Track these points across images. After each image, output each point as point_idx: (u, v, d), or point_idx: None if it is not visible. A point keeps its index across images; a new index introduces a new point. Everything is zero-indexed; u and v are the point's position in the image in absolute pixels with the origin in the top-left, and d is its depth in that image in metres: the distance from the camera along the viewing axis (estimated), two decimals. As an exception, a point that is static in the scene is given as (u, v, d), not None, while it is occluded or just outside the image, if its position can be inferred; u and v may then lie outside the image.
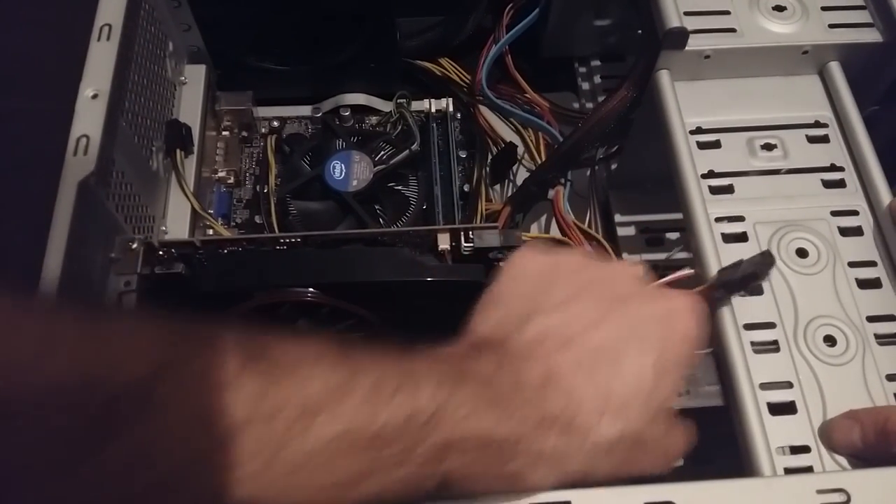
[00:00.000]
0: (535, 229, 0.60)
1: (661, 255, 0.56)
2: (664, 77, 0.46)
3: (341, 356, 0.28)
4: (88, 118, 0.44)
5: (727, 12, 0.47)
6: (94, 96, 0.45)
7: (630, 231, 0.57)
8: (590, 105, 0.65)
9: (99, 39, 0.47)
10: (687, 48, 0.44)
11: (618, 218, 0.58)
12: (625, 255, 0.56)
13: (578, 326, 0.33)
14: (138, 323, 0.29)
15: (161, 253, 0.45)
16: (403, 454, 0.28)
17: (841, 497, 0.31)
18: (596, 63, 0.67)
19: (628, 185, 0.59)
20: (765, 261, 0.38)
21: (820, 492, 0.31)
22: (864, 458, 0.35)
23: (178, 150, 0.56)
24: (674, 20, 0.44)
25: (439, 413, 0.28)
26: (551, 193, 0.53)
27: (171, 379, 0.25)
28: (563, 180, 0.53)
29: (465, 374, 0.30)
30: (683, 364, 0.33)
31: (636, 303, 0.34)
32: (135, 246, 0.45)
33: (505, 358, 0.32)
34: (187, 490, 0.25)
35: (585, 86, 0.67)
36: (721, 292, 0.38)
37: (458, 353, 0.31)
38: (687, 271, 0.40)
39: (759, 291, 0.39)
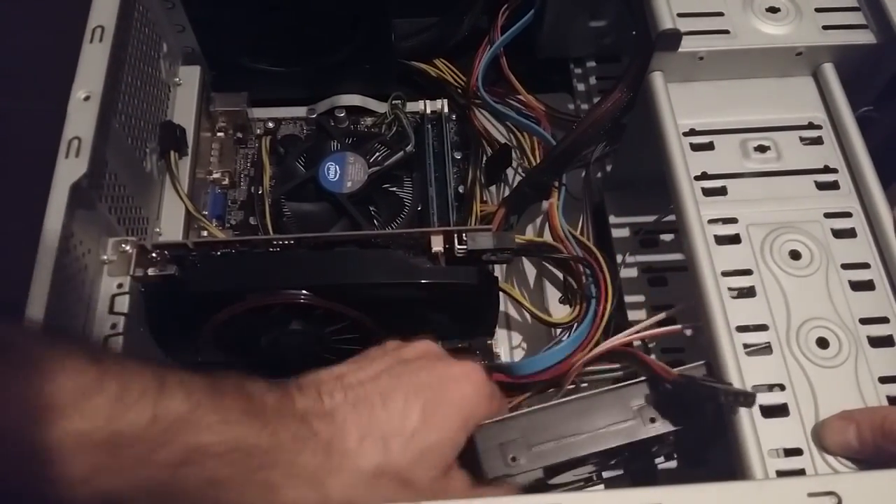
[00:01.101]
0: (529, 231, 0.60)
1: (656, 257, 0.56)
2: (657, 79, 0.45)
3: (92, 359, 0.29)
4: (80, 120, 0.44)
5: (720, 14, 0.46)
6: (87, 98, 0.44)
7: (624, 232, 0.57)
8: (585, 106, 0.65)
9: (91, 41, 0.47)
10: (680, 50, 0.44)
11: (612, 219, 0.58)
12: (619, 257, 0.56)
13: (357, 375, 0.36)
14: None
15: (154, 255, 0.45)
16: (142, 457, 0.29)
17: (832, 500, 0.30)
18: (591, 64, 0.67)
19: (623, 186, 0.58)
20: (736, 399, 0.36)
21: (811, 495, 0.31)
22: (858, 458, 0.35)
23: (172, 152, 0.56)
24: (667, 22, 0.44)
25: (185, 418, 0.30)
26: (545, 206, 0.53)
27: None
28: (557, 184, 0.53)
29: (226, 388, 0.32)
30: (455, 415, 0.36)
31: (417, 365, 0.38)
32: (128, 248, 0.45)
33: (278, 386, 0.34)
34: None
35: (581, 87, 0.67)
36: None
37: (226, 377, 0.33)
38: (675, 327, 0.42)
39: (753, 294, 0.39)
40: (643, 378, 0.39)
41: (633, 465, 0.42)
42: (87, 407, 0.28)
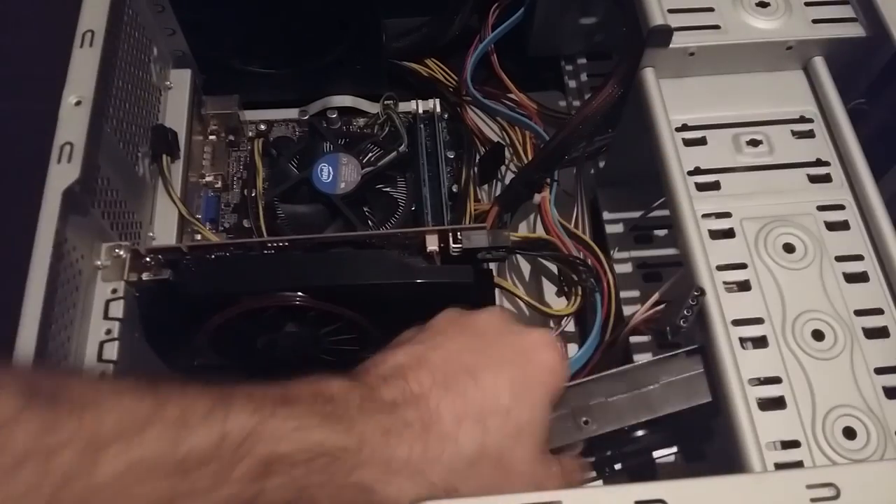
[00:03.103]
0: (523, 228, 0.60)
1: (650, 252, 0.57)
2: (649, 75, 0.46)
3: (147, 390, 0.28)
4: (72, 125, 0.43)
5: (711, 9, 0.47)
6: (78, 103, 0.44)
7: (618, 228, 0.57)
8: (577, 103, 0.65)
9: (81, 46, 0.46)
10: (671, 45, 0.44)
11: (606, 216, 0.58)
12: (614, 253, 0.56)
13: (438, 353, 0.34)
14: None
15: (148, 259, 0.44)
16: (218, 476, 0.27)
17: (831, 492, 0.31)
18: (582, 61, 0.68)
19: (616, 182, 0.59)
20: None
21: (810, 486, 0.31)
22: None
23: (164, 156, 0.56)
24: (657, 18, 0.44)
25: (257, 432, 0.28)
26: (537, 198, 0.53)
27: None
28: (549, 180, 0.53)
29: (300, 394, 0.31)
30: (543, 391, 0.35)
31: (494, 338, 0.36)
32: (121, 252, 0.44)
33: (357, 381, 0.32)
34: None
35: (572, 84, 0.67)
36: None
37: (300, 381, 0.32)
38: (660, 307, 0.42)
39: (748, 288, 0.40)
40: (683, 350, 0.40)
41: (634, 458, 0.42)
42: (148, 436, 0.27)
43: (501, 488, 0.32)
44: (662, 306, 0.42)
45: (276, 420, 0.29)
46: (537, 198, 0.53)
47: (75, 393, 0.27)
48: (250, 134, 0.64)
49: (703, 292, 0.38)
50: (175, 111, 0.60)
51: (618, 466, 0.43)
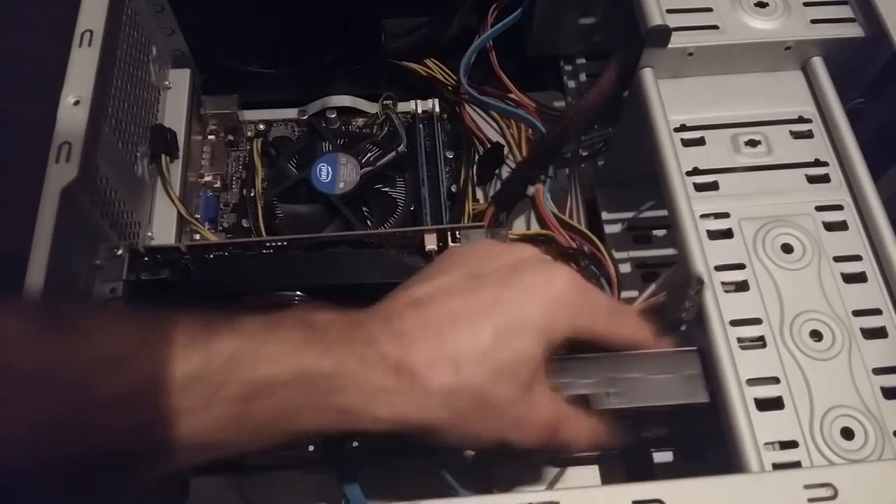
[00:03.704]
0: (521, 226, 0.60)
1: (649, 253, 0.57)
2: (647, 75, 0.46)
3: (143, 314, 0.31)
4: (70, 125, 0.44)
5: (709, 9, 0.47)
6: (76, 103, 0.44)
7: (617, 228, 0.57)
8: (576, 103, 0.65)
9: (80, 45, 0.46)
10: (670, 46, 0.44)
11: (605, 215, 0.58)
12: (613, 253, 0.56)
13: (428, 293, 0.35)
14: None
15: (146, 259, 0.44)
16: (205, 398, 0.29)
17: (828, 492, 0.31)
18: (581, 61, 0.67)
19: (615, 182, 0.59)
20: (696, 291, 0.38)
21: (807, 486, 0.31)
22: None
23: (163, 155, 0.56)
24: (656, 18, 0.44)
25: (241, 353, 0.30)
26: (531, 190, 0.53)
27: None
28: (544, 177, 0.53)
29: (285, 321, 0.32)
30: (533, 331, 0.34)
31: (495, 276, 0.36)
32: (120, 252, 0.44)
33: (345, 314, 0.33)
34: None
35: (571, 84, 0.67)
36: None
37: (289, 311, 0.33)
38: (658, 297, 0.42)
39: (746, 288, 0.40)
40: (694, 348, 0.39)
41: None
42: (141, 359, 0.28)
43: (483, 420, 0.33)
44: (660, 296, 0.42)
45: (256, 342, 0.30)
46: (531, 189, 0.53)
47: (74, 318, 0.29)
48: (249, 134, 0.64)
49: (703, 283, 0.38)
50: (174, 111, 0.60)
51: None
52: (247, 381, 0.30)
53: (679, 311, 0.38)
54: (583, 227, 0.52)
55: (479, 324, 0.34)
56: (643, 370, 0.38)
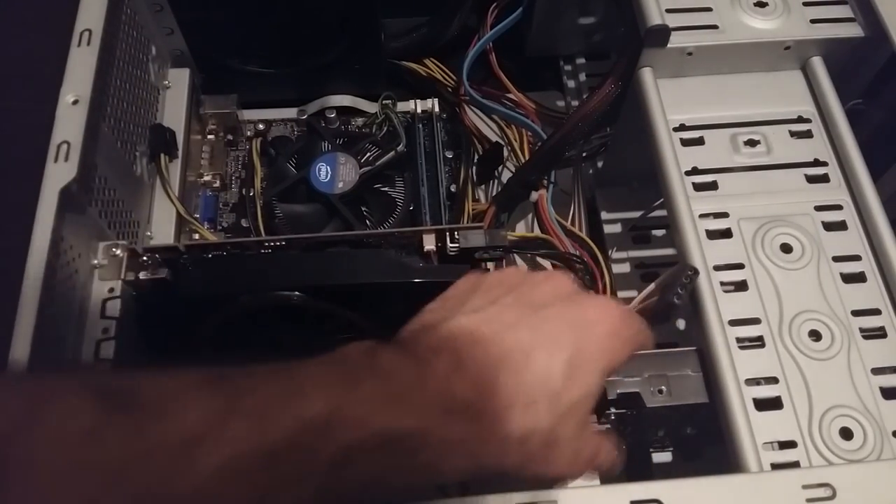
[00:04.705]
0: (521, 228, 0.60)
1: (648, 252, 0.57)
2: (647, 74, 0.46)
3: (218, 381, 0.28)
4: (69, 124, 0.43)
5: (709, 9, 0.47)
6: (75, 102, 0.44)
7: (616, 228, 0.57)
8: (576, 103, 0.65)
9: (79, 45, 0.46)
10: (669, 45, 0.44)
11: (604, 216, 0.58)
12: (612, 253, 0.56)
13: (492, 327, 0.33)
14: None
15: (145, 259, 0.44)
16: (304, 466, 0.27)
17: (826, 492, 0.31)
18: (581, 61, 0.68)
19: (614, 182, 0.59)
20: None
21: (806, 486, 0.31)
22: None
23: (162, 155, 0.56)
24: (655, 18, 0.44)
25: (335, 417, 0.28)
26: (534, 196, 0.53)
27: (21, 444, 0.24)
28: (546, 181, 0.53)
29: (361, 373, 0.30)
30: (598, 368, 0.34)
31: (552, 309, 0.34)
32: (118, 252, 0.44)
33: (410, 353, 0.32)
34: None
35: (571, 84, 0.67)
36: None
37: (355, 353, 0.31)
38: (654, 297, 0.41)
39: (745, 288, 0.40)
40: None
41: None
42: (233, 431, 0.26)
43: (547, 461, 0.32)
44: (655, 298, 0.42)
45: (348, 404, 0.29)
46: (534, 195, 0.53)
47: (147, 393, 0.27)
48: (249, 133, 0.64)
49: (696, 272, 0.38)
50: (173, 110, 0.60)
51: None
52: (343, 446, 0.28)
53: (671, 295, 0.38)
54: (584, 236, 0.52)
55: (551, 362, 0.33)
56: (692, 367, 0.39)
